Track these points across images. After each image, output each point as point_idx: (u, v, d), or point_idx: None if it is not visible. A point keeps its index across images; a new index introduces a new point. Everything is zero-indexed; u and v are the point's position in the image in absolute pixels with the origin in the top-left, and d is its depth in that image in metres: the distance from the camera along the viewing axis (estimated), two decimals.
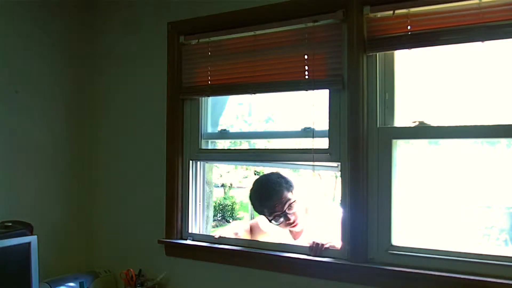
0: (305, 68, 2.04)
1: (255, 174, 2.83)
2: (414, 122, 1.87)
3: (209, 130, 2.42)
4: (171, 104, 2.40)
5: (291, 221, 2.12)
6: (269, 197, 2.10)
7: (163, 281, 2.36)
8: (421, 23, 1.79)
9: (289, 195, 2.12)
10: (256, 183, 2.25)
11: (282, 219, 2.11)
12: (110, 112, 2.65)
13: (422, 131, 1.87)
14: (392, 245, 1.86)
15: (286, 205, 2.09)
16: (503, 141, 1.82)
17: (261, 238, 2.32)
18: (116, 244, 2.59)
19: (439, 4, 1.75)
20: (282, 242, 2.15)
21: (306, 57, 2.03)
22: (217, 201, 3.55)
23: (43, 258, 2.11)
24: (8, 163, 2.31)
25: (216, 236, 2.24)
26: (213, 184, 2.63)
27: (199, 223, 2.42)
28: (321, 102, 2.06)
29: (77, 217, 2.65)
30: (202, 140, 2.39)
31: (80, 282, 2.33)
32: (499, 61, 1.76)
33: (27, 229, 2.05)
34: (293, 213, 2.11)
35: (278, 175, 2.20)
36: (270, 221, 2.15)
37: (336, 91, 1.99)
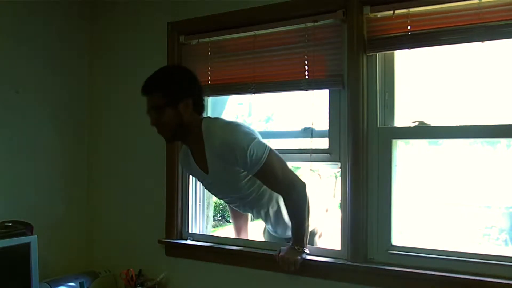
0: (305, 68, 2.04)
1: None
2: (414, 122, 1.87)
3: None
4: None
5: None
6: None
7: (163, 281, 2.35)
8: (421, 23, 1.79)
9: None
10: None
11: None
12: (110, 112, 2.65)
13: (422, 131, 1.87)
14: (392, 245, 1.86)
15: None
16: (503, 141, 1.82)
17: None
18: (116, 244, 2.59)
19: (439, 4, 1.75)
20: (282, 243, 2.15)
21: (306, 57, 2.03)
22: (217, 201, 3.55)
23: (43, 258, 2.12)
24: (8, 163, 2.31)
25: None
26: None
27: (199, 223, 2.42)
28: (321, 102, 2.06)
29: (77, 217, 2.65)
30: None
31: (80, 282, 2.33)
32: (499, 61, 1.76)
33: (27, 229, 2.05)
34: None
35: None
36: None
37: (336, 91, 1.99)
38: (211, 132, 1.87)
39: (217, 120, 1.95)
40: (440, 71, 1.89)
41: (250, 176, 1.90)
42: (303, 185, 1.90)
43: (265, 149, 1.83)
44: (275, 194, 1.98)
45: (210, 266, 2.25)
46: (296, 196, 1.88)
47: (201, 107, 1.92)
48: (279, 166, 1.87)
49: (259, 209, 2.07)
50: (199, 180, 2.21)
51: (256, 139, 1.83)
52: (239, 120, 1.95)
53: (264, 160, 1.81)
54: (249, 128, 1.91)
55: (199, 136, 1.89)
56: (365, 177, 1.89)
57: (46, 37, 2.50)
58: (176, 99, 1.84)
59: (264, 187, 1.96)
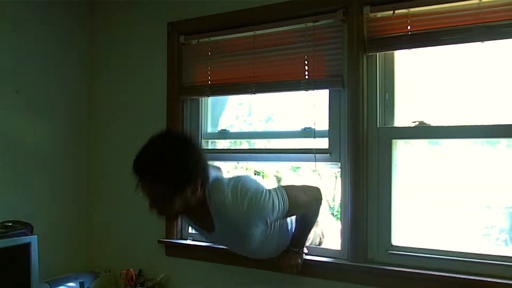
0: (305, 68, 2.04)
1: (255, 174, 2.82)
2: (414, 122, 1.87)
3: (209, 130, 2.42)
4: (171, 104, 2.40)
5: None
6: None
7: (163, 281, 2.35)
8: (421, 23, 1.79)
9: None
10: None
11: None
12: (110, 112, 2.65)
13: (422, 131, 1.87)
14: (392, 245, 1.86)
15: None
16: (503, 141, 1.82)
17: None
18: (116, 244, 2.59)
19: (439, 4, 1.75)
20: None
21: (306, 57, 2.03)
22: None
23: (43, 258, 2.11)
24: (8, 163, 2.31)
25: None
26: None
27: None
28: (321, 102, 2.05)
29: (77, 217, 2.65)
30: (202, 140, 2.39)
31: (80, 282, 2.33)
32: (499, 61, 1.76)
33: (27, 229, 2.05)
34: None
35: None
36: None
37: (336, 91, 1.99)
38: (224, 214, 1.62)
39: (223, 192, 1.60)
40: (440, 71, 1.89)
41: (259, 234, 1.71)
42: (321, 194, 1.82)
43: (282, 194, 1.66)
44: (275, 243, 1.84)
45: (210, 266, 2.25)
46: (316, 208, 1.81)
47: (207, 179, 1.62)
48: (299, 194, 1.75)
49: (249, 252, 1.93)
50: (195, 230, 2.05)
51: (271, 192, 1.64)
52: (239, 174, 1.68)
53: (288, 202, 1.66)
54: (256, 183, 1.68)
55: (205, 212, 1.65)
56: (365, 177, 1.89)
57: (46, 37, 2.50)
58: (183, 186, 1.52)
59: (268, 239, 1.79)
